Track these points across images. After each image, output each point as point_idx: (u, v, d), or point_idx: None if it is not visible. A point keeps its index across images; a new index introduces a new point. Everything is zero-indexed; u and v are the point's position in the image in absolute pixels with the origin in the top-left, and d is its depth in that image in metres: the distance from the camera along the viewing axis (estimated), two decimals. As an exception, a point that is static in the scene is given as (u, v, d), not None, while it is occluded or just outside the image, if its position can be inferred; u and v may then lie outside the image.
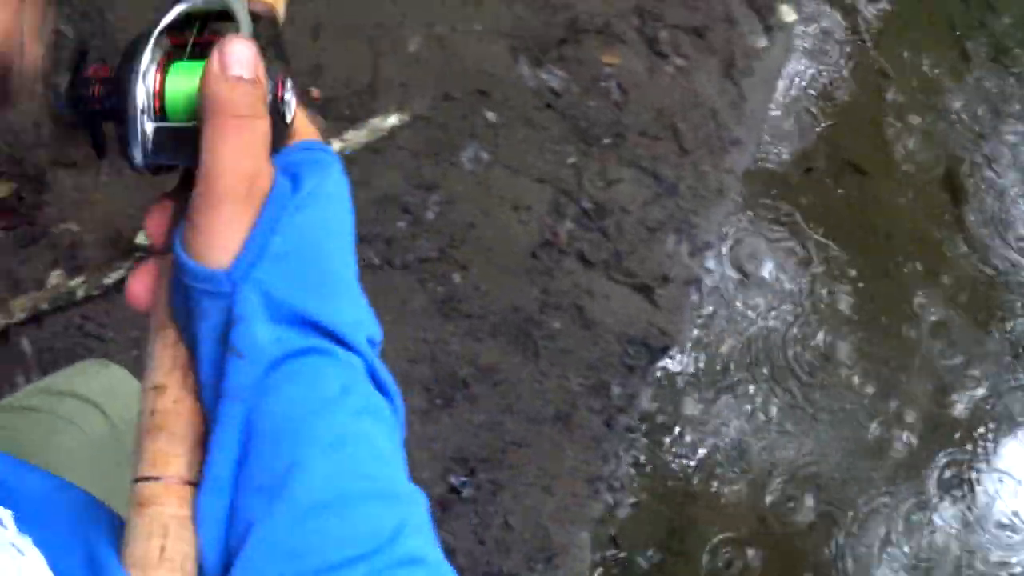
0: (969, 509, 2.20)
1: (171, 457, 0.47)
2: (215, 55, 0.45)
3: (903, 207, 2.42)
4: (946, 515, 2.18)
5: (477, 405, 1.91)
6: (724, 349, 2.12)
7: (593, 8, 2.19)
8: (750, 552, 2.07)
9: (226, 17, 0.50)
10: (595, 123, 2.08)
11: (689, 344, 2.08)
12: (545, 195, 2.01)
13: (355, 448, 0.46)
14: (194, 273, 0.46)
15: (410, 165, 1.96)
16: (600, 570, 2.01)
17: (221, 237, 0.46)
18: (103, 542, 0.45)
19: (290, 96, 0.50)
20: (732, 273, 2.17)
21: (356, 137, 1.84)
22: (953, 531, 2.17)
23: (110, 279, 1.72)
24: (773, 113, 2.33)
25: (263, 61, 0.46)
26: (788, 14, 2.43)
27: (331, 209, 0.51)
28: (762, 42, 2.35)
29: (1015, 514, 2.23)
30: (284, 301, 0.47)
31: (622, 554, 2.03)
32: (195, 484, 0.47)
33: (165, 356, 0.49)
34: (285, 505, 0.44)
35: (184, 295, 0.47)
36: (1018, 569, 2.19)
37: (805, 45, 2.43)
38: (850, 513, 2.12)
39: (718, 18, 2.30)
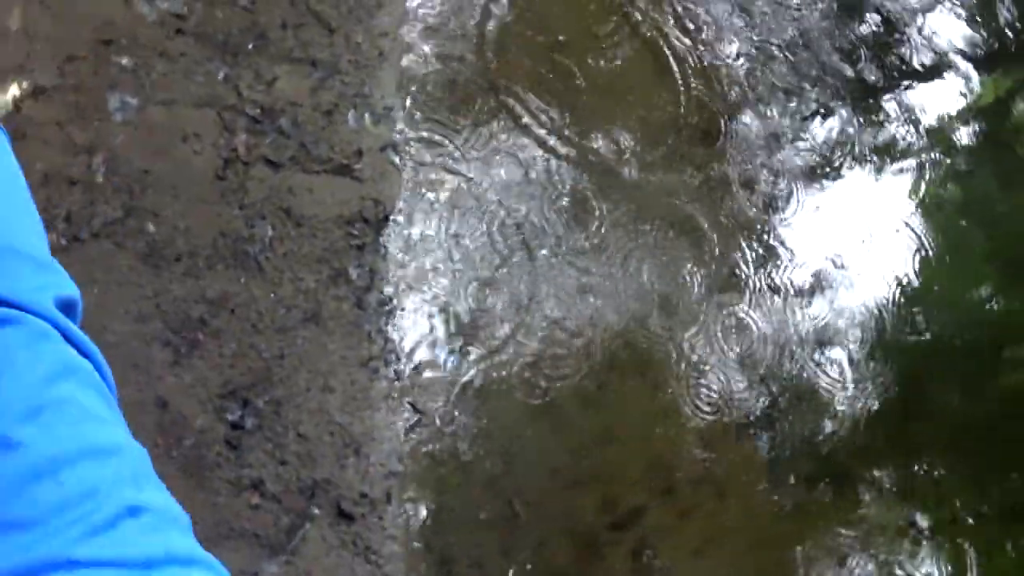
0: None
1: None
2: None
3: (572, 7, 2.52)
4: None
5: (223, 337, 1.90)
6: (444, 196, 2.18)
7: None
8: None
9: None
10: (231, 33, 2.05)
11: (404, 204, 2.13)
12: (209, 117, 1.98)
13: (57, 412, 0.46)
14: None
15: (58, 136, 1.88)
16: (414, 437, 2.06)
17: None
18: None
19: None
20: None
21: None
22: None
23: None
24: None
25: None
26: None
27: None
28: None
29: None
30: None
31: (426, 419, 2.09)
32: None
33: None
34: None
35: None
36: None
37: None
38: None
39: None
